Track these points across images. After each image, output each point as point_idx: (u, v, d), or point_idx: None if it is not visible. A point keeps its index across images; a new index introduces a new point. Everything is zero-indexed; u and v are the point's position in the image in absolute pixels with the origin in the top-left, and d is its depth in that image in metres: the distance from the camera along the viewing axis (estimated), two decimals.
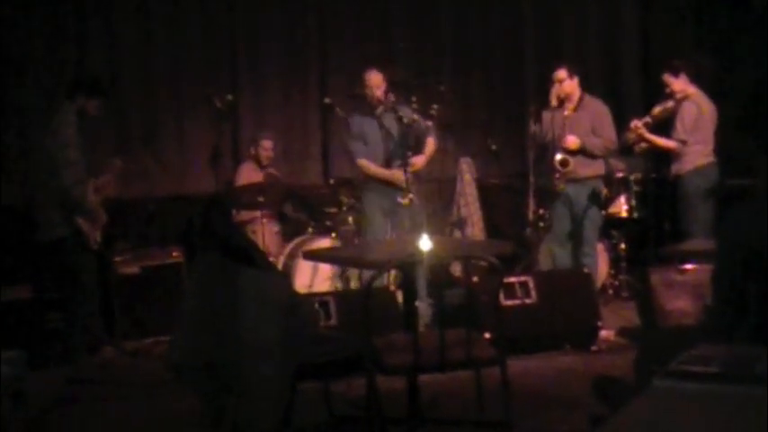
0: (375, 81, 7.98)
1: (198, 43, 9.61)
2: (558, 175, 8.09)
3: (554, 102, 8.08)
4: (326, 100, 8.40)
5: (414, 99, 8.09)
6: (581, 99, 8.14)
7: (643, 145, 8.59)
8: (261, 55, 9.87)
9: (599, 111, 8.15)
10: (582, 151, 8.07)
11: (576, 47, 10.81)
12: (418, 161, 8.04)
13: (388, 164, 8.02)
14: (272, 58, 9.92)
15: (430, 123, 8.07)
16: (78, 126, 7.07)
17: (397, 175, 7.93)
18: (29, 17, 8.84)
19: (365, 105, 8.04)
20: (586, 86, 8.39)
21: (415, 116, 7.94)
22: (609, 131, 8.12)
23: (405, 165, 7.84)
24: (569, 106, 8.11)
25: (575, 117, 8.09)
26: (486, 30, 10.67)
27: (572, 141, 8.02)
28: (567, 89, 8.09)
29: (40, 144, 7.30)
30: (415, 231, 8.06)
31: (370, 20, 10.31)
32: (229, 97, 8.12)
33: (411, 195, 7.93)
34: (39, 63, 8.86)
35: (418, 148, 8.10)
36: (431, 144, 8.18)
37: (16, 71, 8.79)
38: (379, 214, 8.00)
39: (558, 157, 8.05)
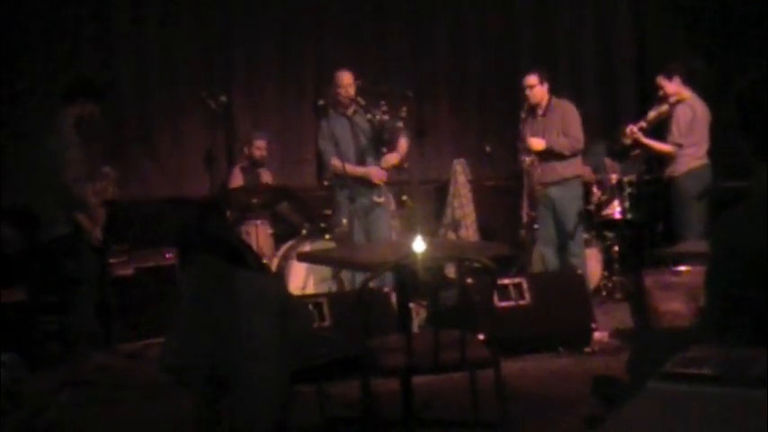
0: (346, 80, 8.04)
1: (192, 45, 9.62)
2: (533, 181, 8.22)
3: (522, 114, 8.22)
4: (320, 102, 8.41)
5: (382, 103, 8.12)
6: (549, 102, 8.23)
7: (638, 152, 8.64)
8: (255, 56, 9.89)
9: (566, 111, 8.30)
10: (549, 152, 8.16)
11: (571, 49, 10.84)
12: (391, 158, 8.11)
13: (360, 164, 8.06)
14: (267, 59, 9.93)
15: (401, 125, 8.12)
16: (78, 129, 7.13)
17: (373, 172, 8.00)
18: (24, 19, 8.84)
19: (337, 106, 8.07)
20: (581, 91, 8.45)
21: (386, 117, 8.00)
22: (575, 131, 8.23)
23: (378, 160, 7.94)
24: (539, 111, 8.24)
25: (544, 120, 8.24)
26: (481, 32, 10.69)
27: (536, 143, 8.16)
28: (537, 95, 8.22)
29: (38, 145, 7.33)
30: (406, 232, 8.14)
31: (365, 21, 10.33)
32: (223, 99, 8.13)
33: (383, 197, 8.00)
34: (34, 65, 8.87)
35: (391, 149, 8.15)
36: (403, 144, 8.23)
37: (11, 74, 8.79)
38: (355, 212, 8.00)
39: (527, 159, 8.18)
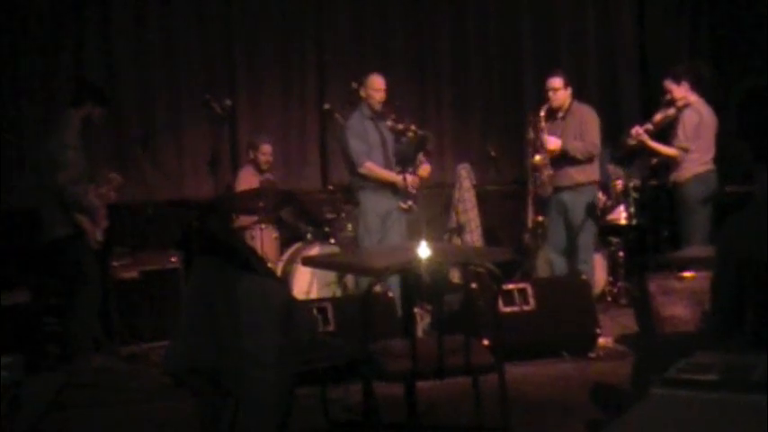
0: (379, 84, 8.02)
1: (195, 48, 9.64)
2: (543, 179, 8.18)
3: (542, 112, 8.16)
4: (326, 106, 8.40)
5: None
6: (570, 106, 8.20)
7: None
8: (258, 60, 9.88)
9: (586, 116, 8.24)
10: (564, 155, 8.12)
11: (574, 54, 10.83)
12: (426, 169, 8.12)
13: (386, 169, 8.03)
14: (270, 63, 9.93)
15: (422, 133, 8.12)
16: (80, 132, 7.14)
17: (409, 180, 7.98)
18: (27, 23, 8.86)
19: (366, 109, 8.04)
20: (584, 94, 8.43)
21: (411, 125, 7.99)
22: (592, 136, 8.17)
23: (411, 169, 7.92)
24: (559, 114, 8.20)
25: (563, 124, 8.20)
26: (484, 37, 10.68)
27: (552, 142, 8.11)
28: (560, 98, 8.16)
29: (39, 146, 7.34)
30: (411, 236, 8.13)
31: (368, 26, 10.33)
32: (228, 102, 8.12)
33: (410, 202, 7.97)
34: (36, 69, 8.89)
35: (417, 156, 8.14)
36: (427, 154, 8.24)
37: (14, 77, 8.80)
38: (375, 217, 8.00)
39: (537, 157, 8.16)
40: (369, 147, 7.97)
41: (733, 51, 9.85)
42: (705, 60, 9.80)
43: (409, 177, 7.99)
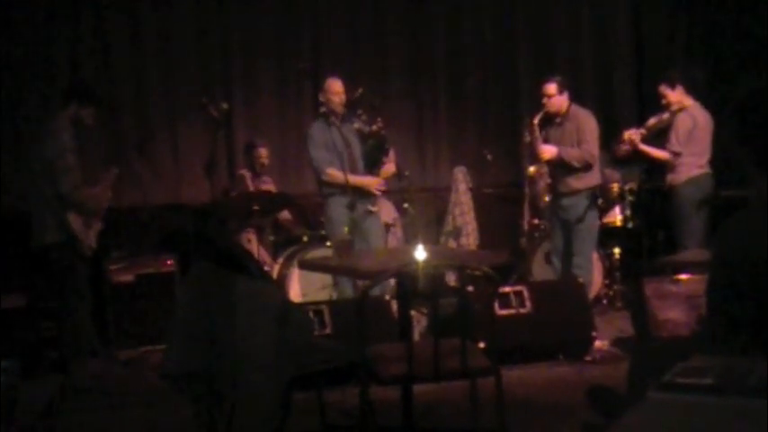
0: (336, 88, 8.00)
1: (192, 51, 9.63)
2: (539, 189, 8.17)
3: (535, 120, 8.15)
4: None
5: (360, 113, 8.12)
6: (568, 110, 8.14)
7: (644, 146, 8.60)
8: (255, 63, 9.89)
9: (584, 122, 8.12)
10: (559, 161, 8.07)
11: (570, 57, 10.83)
12: (390, 168, 8.12)
13: (353, 173, 8.01)
14: (267, 65, 9.92)
15: (381, 135, 8.14)
16: (73, 133, 7.08)
17: (374, 182, 7.98)
18: (23, 26, 8.85)
19: (329, 114, 8.02)
20: (580, 97, 8.41)
21: (374, 127, 8.00)
22: (589, 143, 8.07)
23: (369, 170, 7.94)
24: (557, 120, 8.16)
25: (561, 129, 8.14)
26: (480, 39, 10.68)
27: (547, 151, 8.07)
28: (555, 104, 8.10)
29: (35, 152, 7.28)
30: (407, 240, 8.12)
31: (363, 29, 10.32)
32: (225, 105, 8.12)
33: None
34: (33, 72, 8.88)
35: (379, 158, 8.16)
36: (392, 154, 8.24)
37: (10, 79, 8.80)
38: (344, 224, 7.98)
39: (532, 168, 8.15)
40: (332, 154, 7.93)
41: (729, 53, 9.85)
42: (700, 63, 9.82)
43: (374, 180, 8.02)
